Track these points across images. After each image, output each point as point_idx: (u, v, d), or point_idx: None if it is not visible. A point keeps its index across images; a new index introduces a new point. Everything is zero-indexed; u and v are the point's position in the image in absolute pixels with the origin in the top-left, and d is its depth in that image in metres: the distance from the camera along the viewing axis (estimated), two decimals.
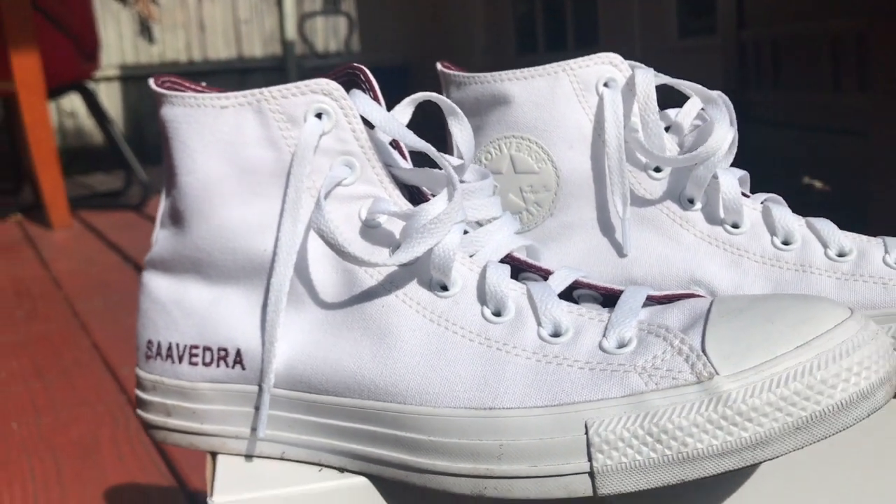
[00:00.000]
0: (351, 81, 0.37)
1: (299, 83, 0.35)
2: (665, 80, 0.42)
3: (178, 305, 0.37)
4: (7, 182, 3.07)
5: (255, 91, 0.35)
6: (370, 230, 0.34)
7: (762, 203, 0.41)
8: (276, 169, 0.35)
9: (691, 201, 0.41)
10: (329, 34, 5.51)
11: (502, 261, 0.35)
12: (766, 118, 1.80)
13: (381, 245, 0.34)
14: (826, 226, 0.40)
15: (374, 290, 0.34)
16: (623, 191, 0.40)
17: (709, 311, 0.31)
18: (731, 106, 0.43)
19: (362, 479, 0.33)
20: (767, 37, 1.72)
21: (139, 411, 0.39)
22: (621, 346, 0.30)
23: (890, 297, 0.37)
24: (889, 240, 0.39)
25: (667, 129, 0.43)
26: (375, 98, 0.36)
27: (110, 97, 5.04)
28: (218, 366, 0.35)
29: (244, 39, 5.49)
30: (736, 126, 0.43)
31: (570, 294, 0.35)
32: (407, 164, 0.36)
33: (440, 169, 0.34)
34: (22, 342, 1.25)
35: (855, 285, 0.37)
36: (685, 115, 0.43)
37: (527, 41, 3.51)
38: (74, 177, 3.39)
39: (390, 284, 0.33)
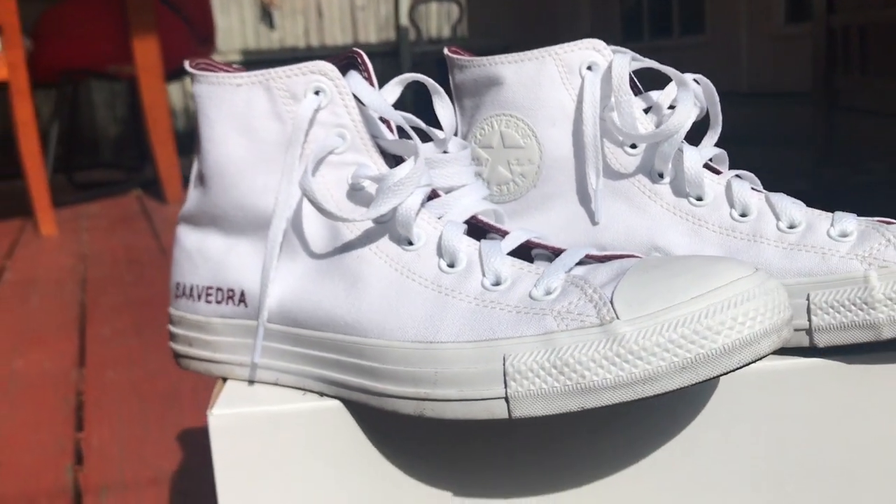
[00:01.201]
0: (350, 64, 0.42)
1: (301, 65, 0.41)
2: (647, 63, 0.46)
3: (199, 253, 0.43)
4: (132, 160, 3.30)
5: (265, 71, 0.42)
6: (355, 192, 0.40)
7: (728, 179, 0.44)
8: (280, 138, 0.41)
9: (661, 175, 0.45)
10: (442, 20, 5.59)
11: (468, 222, 0.40)
12: (853, 105, 1.76)
13: (363, 205, 0.40)
14: (781, 200, 0.43)
15: (353, 243, 0.39)
16: (596, 164, 0.45)
17: (630, 267, 0.35)
18: (712, 88, 0.47)
19: (336, 403, 0.39)
20: (856, 23, 1.68)
21: (170, 343, 0.46)
22: (547, 294, 0.35)
23: (826, 265, 0.40)
24: (840, 215, 0.42)
25: (648, 109, 0.47)
26: (368, 79, 0.41)
27: None
28: (227, 304, 0.42)
29: (360, 25, 5.64)
30: (709, 107, 0.46)
31: (529, 253, 0.40)
32: (393, 137, 0.41)
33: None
34: (127, 304, 1.37)
35: (797, 254, 0.41)
36: (665, 97, 0.47)
37: (632, 28, 3.49)
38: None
39: (366, 239, 0.39)
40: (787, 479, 0.41)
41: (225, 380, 0.43)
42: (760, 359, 0.32)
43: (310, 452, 0.39)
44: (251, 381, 0.42)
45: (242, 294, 0.41)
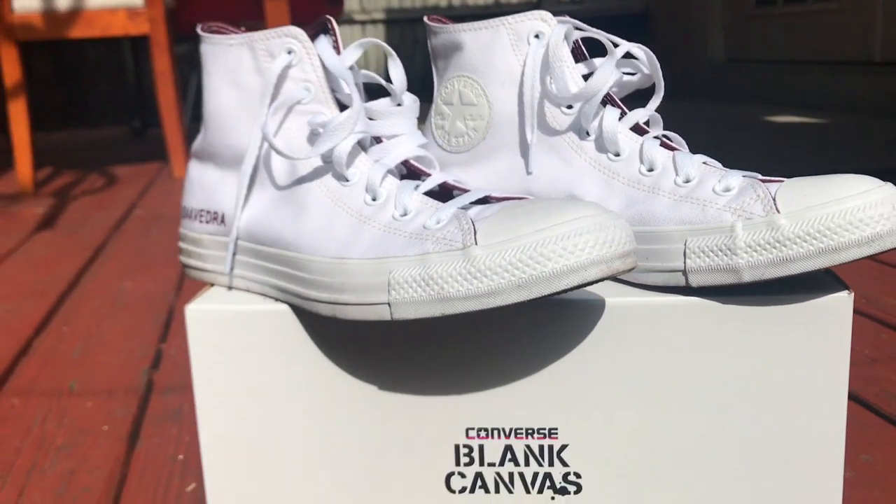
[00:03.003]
0: (322, 30, 0.51)
1: (278, 29, 0.50)
2: (590, 32, 0.52)
3: (199, 182, 0.53)
4: None
5: (251, 34, 0.50)
6: (313, 136, 0.49)
7: (644, 139, 0.50)
8: (259, 89, 0.50)
9: (588, 133, 0.51)
10: None
11: (405, 164, 0.48)
12: None
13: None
14: (685, 158, 0.48)
15: (305, 178, 0.48)
16: (532, 122, 0.51)
17: (504, 206, 0.42)
18: (653, 57, 0.52)
19: (285, 307, 0.48)
20: None
21: (180, 257, 0.56)
22: (437, 224, 0.42)
23: (704, 216, 0.45)
24: (730, 172, 0.47)
25: (589, 75, 0.53)
26: (335, 43, 0.50)
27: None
28: (213, 223, 0.52)
29: None
30: (652, 73, 0.52)
31: (451, 193, 0.47)
32: (349, 91, 0.50)
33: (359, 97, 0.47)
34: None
35: (682, 205, 0.46)
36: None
37: None
38: None
39: (314, 175, 0.48)
40: (665, 399, 0.47)
41: (212, 285, 0.53)
42: (589, 284, 0.39)
43: (263, 343, 0.48)
44: (229, 287, 0.52)
45: (223, 216, 0.51)
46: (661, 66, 0.52)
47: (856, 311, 1.01)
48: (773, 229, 0.43)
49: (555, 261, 0.38)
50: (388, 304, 0.41)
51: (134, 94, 4.16)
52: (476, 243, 0.40)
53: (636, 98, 0.56)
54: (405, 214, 0.44)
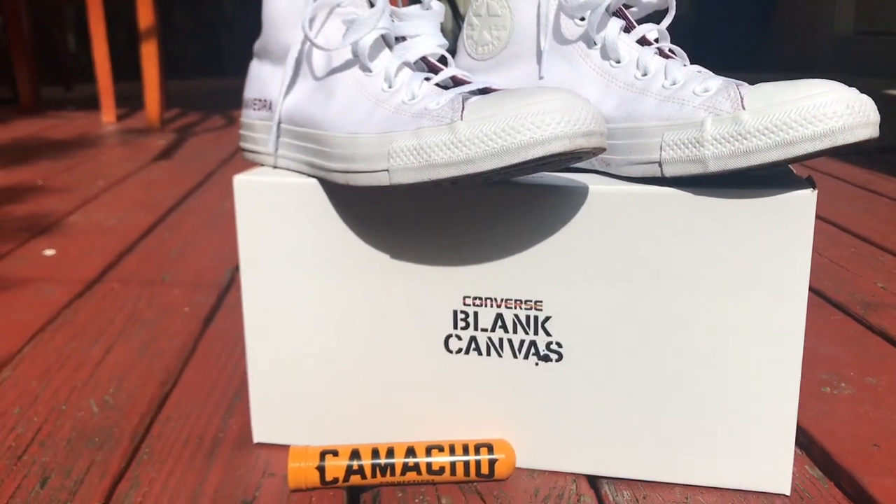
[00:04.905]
0: None
1: None
2: None
3: (256, 76, 0.61)
4: None
5: None
6: (347, 33, 0.56)
7: (643, 48, 0.55)
8: None
9: (595, 43, 0.56)
10: None
11: (423, 61, 0.55)
12: None
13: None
14: (675, 65, 0.53)
15: (337, 68, 0.55)
16: (547, 32, 0.57)
17: (497, 91, 0.48)
18: None
19: (314, 181, 0.56)
20: None
21: (239, 143, 0.65)
22: (437, 106, 0.49)
23: (681, 112, 0.50)
24: (710, 76, 0.51)
25: None
26: None
27: None
28: (263, 110, 0.60)
29: None
30: None
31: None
32: None
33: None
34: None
35: (665, 104, 0.51)
36: None
37: None
38: None
39: (345, 66, 0.55)
40: (640, 280, 0.52)
41: (261, 166, 0.61)
42: (553, 155, 0.45)
43: (295, 212, 0.56)
44: (274, 167, 0.60)
45: (271, 103, 0.59)
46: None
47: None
48: (737, 123, 0.47)
49: (523, 133, 0.44)
50: (388, 171, 0.48)
51: None
52: (462, 119, 0.46)
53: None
54: (413, 99, 0.51)
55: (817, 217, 1.23)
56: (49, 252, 1.14)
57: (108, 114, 2.52)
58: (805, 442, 0.60)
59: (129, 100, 3.27)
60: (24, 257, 1.11)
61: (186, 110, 2.87)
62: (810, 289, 0.92)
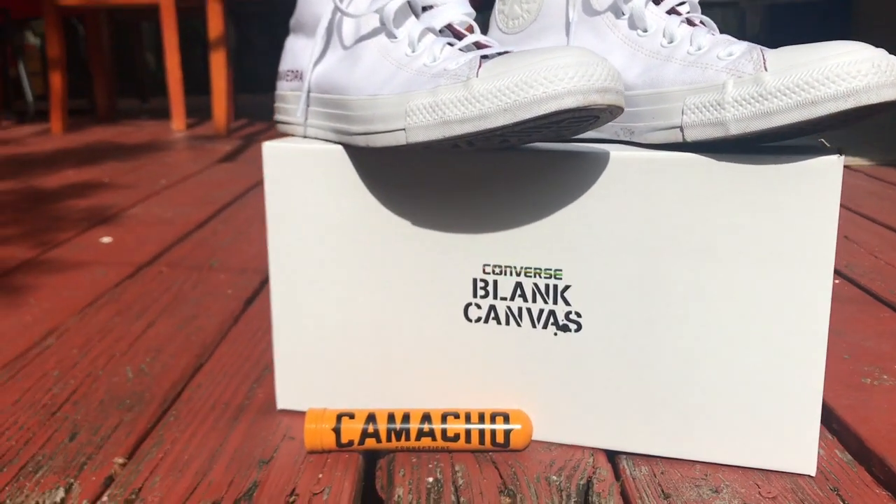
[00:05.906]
0: None
1: None
2: None
3: (290, 49, 0.63)
4: None
5: None
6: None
7: (669, 18, 0.54)
8: None
9: (623, 13, 0.56)
10: None
11: (448, 29, 0.55)
12: None
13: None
14: (700, 31, 0.52)
15: (364, 36, 0.56)
16: (575, 2, 0.57)
17: (513, 52, 0.48)
18: None
19: (339, 147, 0.56)
20: None
21: (274, 116, 0.66)
22: (455, 66, 0.49)
23: (703, 76, 0.49)
24: (733, 41, 0.50)
25: None
26: None
27: None
28: (294, 81, 0.61)
29: None
30: None
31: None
32: None
33: None
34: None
35: (689, 68, 0.50)
36: None
37: None
38: None
39: (372, 33, 0.56)
40: (660, 249, 0.51)
41: (292, 136, 0.62)
42: (567, 111, 0.44)
43: (320, 177, 0.57)
44: (304, 136, 0.61)
45: (301, 73, 0.60)
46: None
47: None
48: (758, 84, 0.46)
49: (536, 88, 0.44)
50: (405, 130, 0.49)
51: None
52: (477, 77, 0.46)
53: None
54: (434, 61, 0.51)
55: (872, 220, 1.19)
56: (106, 239, 1.17)
57: (177, 121, 2.60)
58: (838, 428, 0.58)
59: (200, 111, 3.37)
60: (82, 244, 1.15)
61: (253, 120, 2.94)
62: (863, 288, 0.89)
